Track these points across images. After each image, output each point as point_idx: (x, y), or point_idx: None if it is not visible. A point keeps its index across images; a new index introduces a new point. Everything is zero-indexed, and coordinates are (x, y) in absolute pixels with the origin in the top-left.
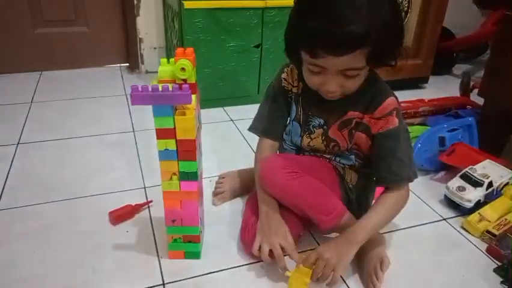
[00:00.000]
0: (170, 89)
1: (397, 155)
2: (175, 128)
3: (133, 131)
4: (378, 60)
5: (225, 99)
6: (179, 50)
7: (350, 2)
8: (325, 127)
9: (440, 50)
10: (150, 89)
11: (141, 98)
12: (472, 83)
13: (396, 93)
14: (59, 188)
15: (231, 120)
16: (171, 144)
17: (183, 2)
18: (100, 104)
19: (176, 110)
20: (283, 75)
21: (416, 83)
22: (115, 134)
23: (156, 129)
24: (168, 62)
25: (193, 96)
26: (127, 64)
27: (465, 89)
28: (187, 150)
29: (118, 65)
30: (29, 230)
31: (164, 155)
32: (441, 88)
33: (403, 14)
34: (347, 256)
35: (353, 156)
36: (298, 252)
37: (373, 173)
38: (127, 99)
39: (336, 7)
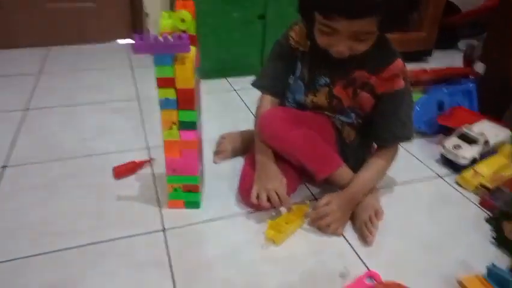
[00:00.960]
0: (170, 38)
1: (400, 116)
2: (174, 77)
3: (138, 99)
4: (390, 26)
5: (228, 70)
6: (179, 2)
7: None
8: (330, 86)
9: (445, 24)
10: (151, 39)
11: (143, 47)
12: (475, 55)
13: None
14: (64, 147)
15: (234, 90)
16: (171, 93)
17: None
18: (106, 75)
19: (175, 60)
20: (292, 33)
21: (419, 56)
22: (120, 101)
23: (157, 79)
24: (169, 15)
25: (192, 48)
26: None
27: (468, 60)
28: (186, 99)
29: (125, 40)
30: (36, 183)
31: (164, 104)
32: (445, 62)
33: None
34: (347, 215)
35: (353, 115)
36: (296, 203)
37: (373, 131)
38: (132, 70)
39: None
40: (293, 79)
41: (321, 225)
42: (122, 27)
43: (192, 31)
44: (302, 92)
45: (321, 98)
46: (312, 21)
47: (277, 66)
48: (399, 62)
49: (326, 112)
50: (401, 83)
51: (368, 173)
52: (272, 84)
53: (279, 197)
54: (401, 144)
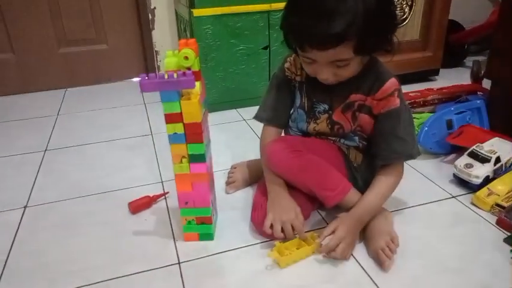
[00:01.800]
0: (175, 76)
1: (398, 133)
2: (181, 113)
3: (151, 134)
4: (367, 49)
5: (238, 101)
6: (182, 41)
7: None
8: (330, 112)
9: (450, 42)
10: (157, 77)
11: (149, 85)
12: (482, 71)
13: (407, 86)
14: (82, 186)
15: (244, 120)
16: (179, 128)
17: (192, 10)
18: (120, 113)
19: (182, 96)
20: (286, 65)
21: (426, 75)
22: (134, 138)
23: (165, 115)
24: (173, 53)
25: (197, 83)
26: None
27: (475, 77)
28: (194, 133)
29: (138, 78)
30: (54, 222)
31: (173, 138)
32: (453, 80)
33: (407, 7)
34: (356, 236)
35: (356, 138)
36: (308, 231)
37: (374, 151)
38: (145, 107)
39: (318, 3)
40: (294, 108)
41: (332, 256)
42: (134, 65)
43: (196, 67)
44: (304, 120)
45: (322, 125)
46: (292, 49)
47: (276, 97)
48: (393, 81)
49: (330, 138)
50: (396, 102)
51: (371, 193)
52: (273, 115)
53: (293, 229)
54: (407, 162)
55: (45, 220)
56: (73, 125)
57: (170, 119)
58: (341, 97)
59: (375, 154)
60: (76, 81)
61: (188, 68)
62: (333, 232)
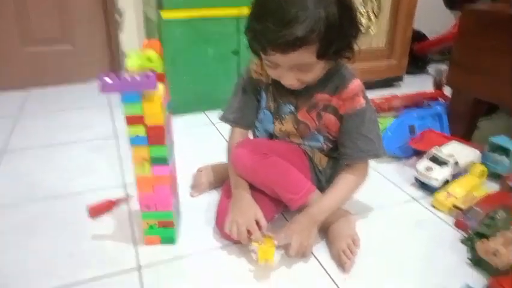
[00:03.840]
0: (136, 77)
1: (363, 132)
2: (143, 115)
3: (115, 137)
4: (329, 55)
5: (206, 104)
6: (145, 41)
7: (293, 2)
8: (295, 112)
9: (414, 51)
10: (118, 78)
11: (109, 86)
12: (444, 79)
13: (372, 91)
14: (41, 187)
15: (212, 123)
16: (141, 131)
17: (161, 13)
18: (85, 115)
19: (144, 98)
20: (253, 67)
21: (391, 82)
22: (98, 140)
23: (126, 117)
24: (136, 54)
25: (161, 85)
26: None
27: (438, 84)
28: (156, 136)
29: None
30: (11, 224)
31: (135, 141)
32: (416, 86)
33: (373, 17)
34: (312, 237)
35: (321, 138)
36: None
37: (340, 151)
38: (110, 108)
39: (281, 10)
40: (260, 109)
41: (290, 253)
42: (101, 67)
43: (159, 69)
44: (270, 121)
45: (288, 125)
46: (256, 54)
47: (242, 99)
48: (357, 81)
49: (295, 140)
50: (361, 102)
51: (330, 193)
52: (239, 117)
53: (249, 232)
54: (371, 165)
55: (3, 221)
56: (35, 126)
57: (131, 121)
58: (306, 97)
59: (341, 153)
60: (40, 81)
61: (152, 70)
62: (285, 237)
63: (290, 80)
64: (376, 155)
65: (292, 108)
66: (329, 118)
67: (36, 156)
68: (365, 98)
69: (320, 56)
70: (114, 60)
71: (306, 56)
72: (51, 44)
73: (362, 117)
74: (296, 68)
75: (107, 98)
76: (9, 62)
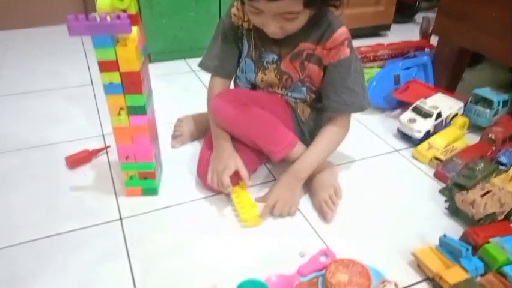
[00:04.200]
0: (108, 19)
1: (348, 84)
2: (117, 60)
3: (92, 84)
4: (317, 2)
5: (186, 51)
6: None
7: None
8: (278, 62)
9: None
10: (88, 19)
11: (78, 28)
12: (431, 28)
13: (358, 40)
14: (14, 138)
15: (193, 71)
16: (115, 77)
17: None
18: (57, 60)
19: (118, 42)
20: (233, 10)
21: (377, 30)
22: (73, 88)
23: (98, 62)
24: None
25: (135, 28)
26: None
27: (424, 33)
28: (133, 83)
29: None
30: None
31: (109, 88)
32: (403, 35)
33: None
34: (296, 194)
35: (304, 89)
36: (256, 184)
37: (323, 102)
38: (85, 54)
39: None
40: (242, 58)
41: (274, 214)
42: (73, 9)
43: (133, 10)
44: (252, 70)
45: (270, 75)
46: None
47: (222, 46)
48: (343, 30)
49: (278, 90)
50: (346, 51)
51: (315, 146)
52: (220, 65)
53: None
54: (355, 115)
55: None
56: (4, 73)
57: (104, 67)
58: (289, 46)
59: (324, 106)
60: (5, 23)
61: (124, 11)
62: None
63: (273, 28)
64: (361, 108)
65: (275, 57)
66: (313, 68)
67: (7, 105)
68: (351, 47)
69: (307, 4)
70: (86, 1)
71: (293, 4)
72: None
73: (347, 68)
74: (281, 16)
75: (81, 43)
76: None
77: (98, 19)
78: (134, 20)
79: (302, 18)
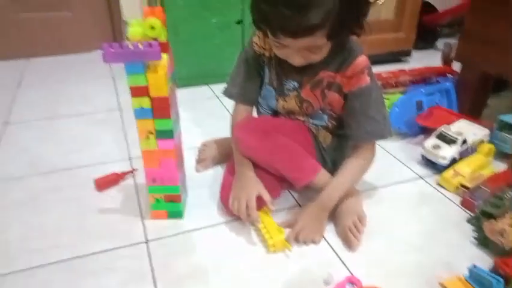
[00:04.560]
0: (140, 46)
1: (369, 113)
2: (147, 86)
3: (119, 109)
4: (340, 34)
5: (210, 77)
6: (147, 9)
7: None
8: (299, 89)
9: (423, 24)
10: (121, 47)
11: (113, 56)
12: (453, 53)
13: (380, 66)
14: (45, 161)
15: (216, 96)
16: (145, 102)
17: None
18: (87, 86)
19: (148, 68)
20: (255, 39)
21: (399, 56)
22: (101, 112)
23: (130, 87)
24: (138, 22)
25: (164, 55)
26: None
27: (446, 59)
28: (161, 108)
29: None
30: (16, 199)
31: (139, 113)
32: (425, 62)
33: None
34: (322, 224)
35: (325, 116)
36: (278, 210)
37: (346, 132)
38: (113, 80)
39: None
40: (263, 85)
41: (299, 240)
42: (101, 36)
43: (163, 38)
44: (273, 97)
45: (291, 103)
46: (266, 35)
47: (245, 73)
48: (363, 58)
49: (299, 117)
50: (366, 79)
51: (341, 176)
52: (242, 93)
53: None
54: (377, 142)
55: (6, 196)
56: (36, 98)
57: (136, 92)
58: (310, 74)
59: (347, 134)
60: (37, 51)
61: (155, 39)
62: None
63: (297, 60)
64: (381, 136)
65: (296, 84)
66: (333, 96)
67: (38, 129)
68: (371, 75)
69: (331, 37)
70: (115, 29)
71: (318, 38)
72: (48, 11)
73: (367, 96)
74: (305, 49)
75: (109, 70)
76: (4, 30)
77: (131, 47)
78: (164, 47)
79: (325, 49)
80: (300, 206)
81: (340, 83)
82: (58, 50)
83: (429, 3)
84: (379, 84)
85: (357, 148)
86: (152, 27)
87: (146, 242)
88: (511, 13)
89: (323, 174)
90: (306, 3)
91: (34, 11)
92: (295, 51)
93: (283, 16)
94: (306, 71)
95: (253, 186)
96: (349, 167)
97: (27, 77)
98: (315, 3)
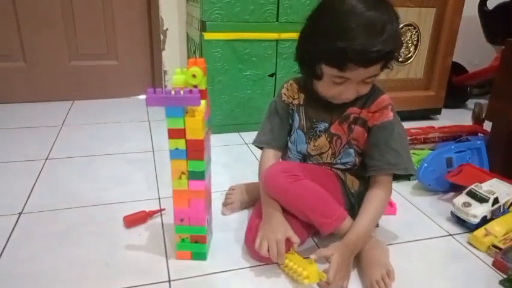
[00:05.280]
0: (181, 92)
1: (392, 145)
2: (185, 129)
3: (153, 151)
4: (388, 66)
5: (241, 125)
6: (191, 59)
7: (375, 20)
8: (328, 129)
9: (453, 84)
10: (164, 92)
11: (155, 100)
12: (484, 113)
13: (410, 123)
14: (79, 196)
15: (245, 143)
16: (181, 144)
17: (203, 33)
18: (124, 129)
19: (187, 112)
20: (283, 90)
21: (428, 114)
22: (136, 153)
23: (168, 129)
24: (182, 71)
25: (203, 101)
26: None
27: (477, 118)
28: (196, 150)
29: (144, 95)
30: (49, 231)
31: (174, 154)
32: (455, 120)
33: (412, 47)
34: (350, 266)
35: (352, 151)
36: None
37: (367, 163)
38: (149, 125)
39: (366, 26)
40: (293, 130)
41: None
42: (143, 83)
43: (203, 86)
44: (303, 141)
45: (322, 140)
46: (314, 77)
47: (275, 121)
48: (386, 96)
49: (327, 159)
50: (389, 115)
51: (363, 216)
52: (271, 138)
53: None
54: (404, 197)
55: (40, 228)
56: (76, 137)
57: (173, 134)
58: (339, 113)
59: (368, 165)
60: (83, 94)
61: (195, 86)
62: (327, 257)
63: (353, 94)
64: (405, 169)
65: (326, 125)
66: (358, 130)
67: (76, 165)
68: (394, 112)
69: (384, 67)
70: (155, 77)
71: (377, 68)
72: (97, 59)
73: (390, 130)
74: (362, 81)
75: (146, 114)
76: (56, 75)
77: (173, 92)
78: (203, 94)
79: (373, 81)
80: None
81: (365, 117)
82: (102, 94)
83: (459, 64)
84: (401, 122)
85: (376, 183)
86: (194, 76)
87: (169, 281)
88: None
89: (348, 222)
90: (378, 38)
91: (84, 59)
92: (353, 85)
93: (366, 45)
94: (335, 110)
95: (281, 226)
96: (372, 205)
97: (70, 118)
98: (390, 35)
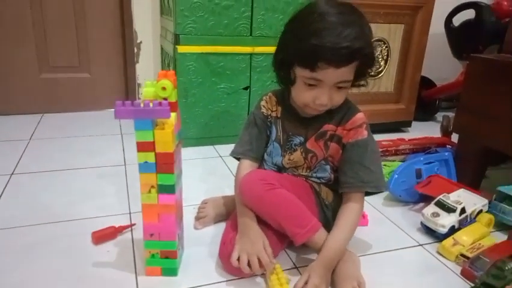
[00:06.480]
0: (150, 105)
1: (365, 163)
2: (154, 142)
3: (125, 165)
4: (360, 75)
5: (215, 138)
6: (161, 72)
7: (344, 22)
8: (304, 143)
9: (422, 97)
10: (132, 105)
11: (124, 112)
12: (451, 126)
13: (381, 136)
14: (47, 211)
15: (220, 156)
16: (150, 157)
17: (177, 47)
18: (96, 142)
19: (157, 125)
20: (262, 103)
21: (399, 126)
22: (107, 167)
23: (137, 142)
24: (152, 84)
25: (173, 114)
26: None
27: (445, 131)
28: (165, 163)
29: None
30: (14, 247)
31: (144, 167)
32: (424, 132)
33: (383, 61)
34: (328, 282)
35: (328, 167)
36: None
37: (340, 179)
38: (121, 137)
39: (335, 26)
40: (270, 142)
41: None
42: (116, 96)
43: (173, 98)
44: (279, 154)
45: (297, 155)
46: (289, 82)
47: (252, 133)
48: (361, 114)
49: (303, 172)
50: (364, 133)
51: (341, 232)
52: (249, 149)
53: (260, 262)
54: (376, 208)
55: (4, 244)
56: (45, 150)
57: (142, 147)
58: (315, 128)
59: (341, 182)
60: (54, 107)
61: (165, 99)
62: (306, 283)
63: (326, 99)
64: (377, 187)
65: (302, 139)
66: (334, 147)
67: (43, 180)
68: (368, 130)
69: (357, 74)
70: (129, 90)
71: (350, 71)
72: (68, 72)
73: (364, 148)
74: (335, 86)
75: (119, 127)
76: (26, 87)
77: (142, 105)
78: (173, 107)
79: (346, 91)
80: (297, 268)
81: (340, 134)
82: (74, 107)
83: (428, 79)
84: (375, 140)
85: (349, 199)
86: (164, 88)
87: None
88: (506, 92)
89: (322, 233)
90: (348, 35)
91: (55, 72)
92: (326, 89)
93: (334, 43)
94: (311, 125)
95: (259, 238)
96: (346, 221)
97: (40, 131)
98: (358, 35)
